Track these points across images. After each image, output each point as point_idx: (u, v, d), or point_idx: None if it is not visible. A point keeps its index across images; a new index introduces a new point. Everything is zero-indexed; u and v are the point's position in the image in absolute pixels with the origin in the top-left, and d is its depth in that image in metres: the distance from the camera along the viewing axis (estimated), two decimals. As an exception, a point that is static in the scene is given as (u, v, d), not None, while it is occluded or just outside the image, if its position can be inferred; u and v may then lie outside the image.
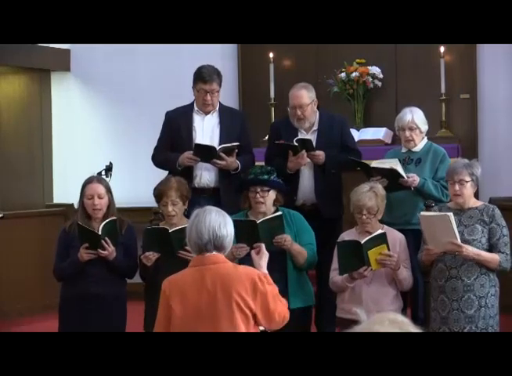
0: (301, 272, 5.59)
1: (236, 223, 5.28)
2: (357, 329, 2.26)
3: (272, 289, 4.00)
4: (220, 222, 3.98)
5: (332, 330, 5.80)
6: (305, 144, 6.11)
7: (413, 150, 6.13)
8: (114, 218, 5.49)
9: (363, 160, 6.34)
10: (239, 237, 5.27)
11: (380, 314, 2.32)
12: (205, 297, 3.93)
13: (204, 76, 6.18)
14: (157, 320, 4.07)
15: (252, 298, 3.91)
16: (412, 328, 2.26)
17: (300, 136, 6.23)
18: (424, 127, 6.13)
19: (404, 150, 6.18)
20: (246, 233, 5.30)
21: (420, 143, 6.14)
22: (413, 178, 5.92)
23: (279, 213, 5.43)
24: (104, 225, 5.43)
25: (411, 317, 5.90)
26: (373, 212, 5.42)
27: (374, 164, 6.05)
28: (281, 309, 4.02)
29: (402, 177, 5.88)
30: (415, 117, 6.08)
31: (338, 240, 5.50)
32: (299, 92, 6.24)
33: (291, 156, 6.13)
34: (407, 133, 6.10)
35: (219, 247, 3.99)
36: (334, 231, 6.00)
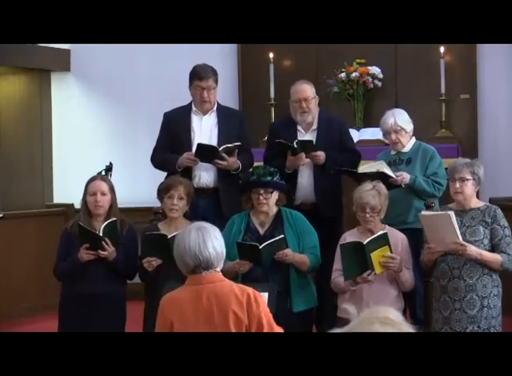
0: (304, 274, 5.60)
1: (238, 246, 5.31)
2: (346, 329, 2.26)
3: (266, 313, 3.93)
4: (200, 244, 3.87)
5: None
6: (305, 146, 6.11)
7: (403, 150, 6.14)
8: (115, 219, 5.49)
9: (363, 161, 6.36)
10: (241, 257, 5.31)
11: (370, 311, 2.30)
12: (202, 316, 3.89)
13: (200, 73, 6.21)
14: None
15: (248, 318, 3.86)
16: (405, 327, 2.25)
17: (299, 137, 6.24)
18: (409, 127, 6.13)
19: (393, 151, 6.19)
20: (249, 254, 5.34)
21: (409, 143, 6.15)
22: (402, 177, 5.93)
23: (282, 236, 5.43)
24: (105, 225, 5.43)
25: (410, 317, 5.91)
26: (376, 210, 5.43)
27: (361, 169, 6.04)
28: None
29: (391, 177, 5.89)
30: (397, 119, 6.08)
31: (340, 241, 5.51)
32: (302, 85, 6.29)
33: (290, 155, 6.14)
34: (393, 136, 6.10)
35: (208, 267, 3.92)
36: (334, 231, 6.00)
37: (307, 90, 6.26)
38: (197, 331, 3.86)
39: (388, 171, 5.90)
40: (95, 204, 5.51)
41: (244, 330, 3.87)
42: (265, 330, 3.89)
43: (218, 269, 3.98)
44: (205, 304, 3.90)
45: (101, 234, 5.40)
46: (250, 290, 3.95)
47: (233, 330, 3.85)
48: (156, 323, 4.03)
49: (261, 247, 5.31)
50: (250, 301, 3.88)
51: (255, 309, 3.88)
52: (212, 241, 3.92)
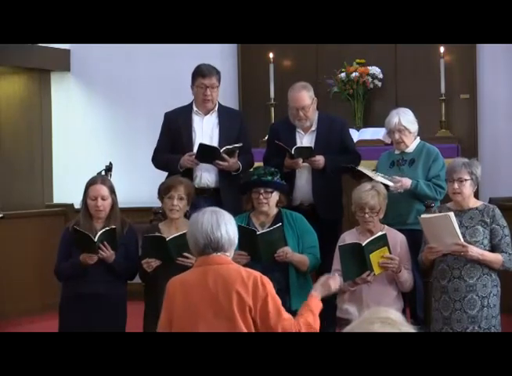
0: (304, 273, 5.60)
1: (239, 229, 5.29)
2: (347, 329, 2.26)
3: (274, 297, 3.94)
4: (212, 224, 3.92)
5: (332, 330, 5.80)
6: (303, 153, 6.11)
7: (406, 150, 6.12)
8: (113, 227, 5.46)
9: (363, 161, 6.36)
10: (240, 244, 5.29)
11: (371, 311, 2.30)
12: (207, 297, 3.92)
13: (203, 71, 6.22)
14: (160, 322, 4.06)
15: (252, 299, 3.88)
16: (405, 327, 2.26)
17: (298, 141, 6.24)
18: (413, 127, 6.10)
19: (397, 151, 6.18)
20: (246, 240, 5.31)
21: (413, 144, 6.13)
22: (401, 183, 5.91)
23: (279, 225, 5.44)
24: (103, 232, 5.41)
25: (410, 317, 5.90)
26: (375, 211, 5.43)
27: (360, 168, 6.01)
28: (287, 325, 3.94)
29: (389, 186, 5.83)
30: (402, 119, 6.06)
31: (339, 242, 5.51)
32: (300, 93, 6.23)
33: (288, 157, 6.14)
34: (396, 136, 6.09)
35: (218, 249, 3.95)
36: (333, 232, 5.99)
37: (304, 98, 6.21)
38: (201, 312, 3.89)
39: (386, 181, 5.85)
40: (95, 208, 5.51)
41: (247, 312, 3.88)
42: (271, 314, 3.89)
43: (228, 254, 4.00)
44: (211, 284, 3.92)
45: (96, 239, 5.38)
46: (257, 273, 3.97)
47: (236, 311, 3.87)
48: (162, 309, 4.05)
49: (258, 233, 5.33)
50: (256, 283, 3.89)
51: (261, 291, 3.89)
52: (226, 224, 3.96)
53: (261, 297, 3.90)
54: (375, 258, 5.27)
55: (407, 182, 5.94)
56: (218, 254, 3.96)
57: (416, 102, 8.07)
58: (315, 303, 4.12)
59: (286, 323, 3.94)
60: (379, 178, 5.85)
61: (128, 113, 9.33)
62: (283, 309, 3.98)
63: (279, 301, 3.98)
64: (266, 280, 3.97)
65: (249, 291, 3.89)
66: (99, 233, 5.40)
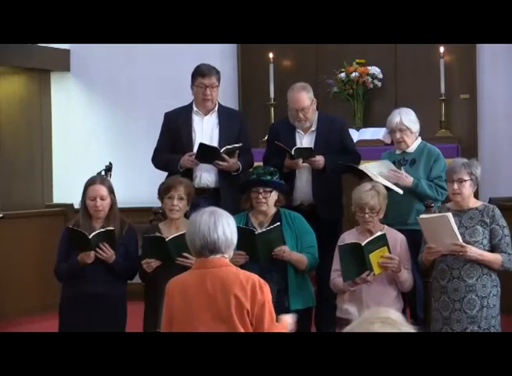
0: (302, 273, 5.60)
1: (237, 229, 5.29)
2: (347, 329, 2.27)
3: (269, 302, 3.95)
4: (210, 226, 3.91)
5: (332, 330, 5.80)
6: (303, 153, 6.11)
7: (407, 150, 6.12)
8: (112, 228, 5.46)
9: (362, 161, 6.35)
10: (238, 244, 5.29)
11: (371, 311, 2.31)
12: (205, 299, 3.92)
13: (203, 70, 6.24)
14: (163, 321, 4.07)
15: (250, 303, 3.89)
16: (405, 327, 2.26)
17: (298, 141, 6.25)
18: (415, 127, 6.10)
19: (398, 151, 6.18)
20: (244, 240, 5.30)
21: (414, 144, 6.12)
22: (404, 176, 5.91)
23: (277, 224, 5.44)
24: (100, 232, 5.40)
25: (410, 317, 5.90)
26: (375, 211, 5.43)
27: (363, 167, 6.01)
28: (277, 332, 3.96)
29: (391, 189, 5.83)
30: (403, 118, 6.06)
31: (339, 242, 5.51)
32: (299, 94, 6.23)
33: (288, 158, 6.15)
34: (397, 135, 6.08)
35: (215, 251, 3.94)
36: (333, 232, 5.99)
37: (303, 100, 6.22)
38: (199, 314, 3.90)
39: (386, 182, 5.85)
40: (94, 208, 5.51)
41: (246, 315, 3.89)
42: (266, 320, 3.91)
43: (226, 256, 3.99)
44: (209, 288, 3.92)
45: (90, 237, 5.37)
46: (255, 277, 3.98)
47: (234, 315, 3.88)
48: (163, 309, 4.07)
49: (256, 233, 5.33)
50: (254, 287, 3.90)
51: (259, 295, 3.91)
52: (223, 226, 3.94)
53: (259, 302, 3.91)
54: (375, 258, 5.27)
55: (409, 179, 5.93)
56: (217, 256, 3.96)
57: (416, 102, 8.07)
58: (285, 326, 4.13)
59: (277, 330, 3.97)
60: (379, 178, 5.85)
61: (128, 113, 9.33)
62: (274, 315, 4.00)
63: (272, 307, 4.00)
64: (264, 284, 3.98)
65: (247, 294, 3.89)
66: (95, 232, 5.40)
